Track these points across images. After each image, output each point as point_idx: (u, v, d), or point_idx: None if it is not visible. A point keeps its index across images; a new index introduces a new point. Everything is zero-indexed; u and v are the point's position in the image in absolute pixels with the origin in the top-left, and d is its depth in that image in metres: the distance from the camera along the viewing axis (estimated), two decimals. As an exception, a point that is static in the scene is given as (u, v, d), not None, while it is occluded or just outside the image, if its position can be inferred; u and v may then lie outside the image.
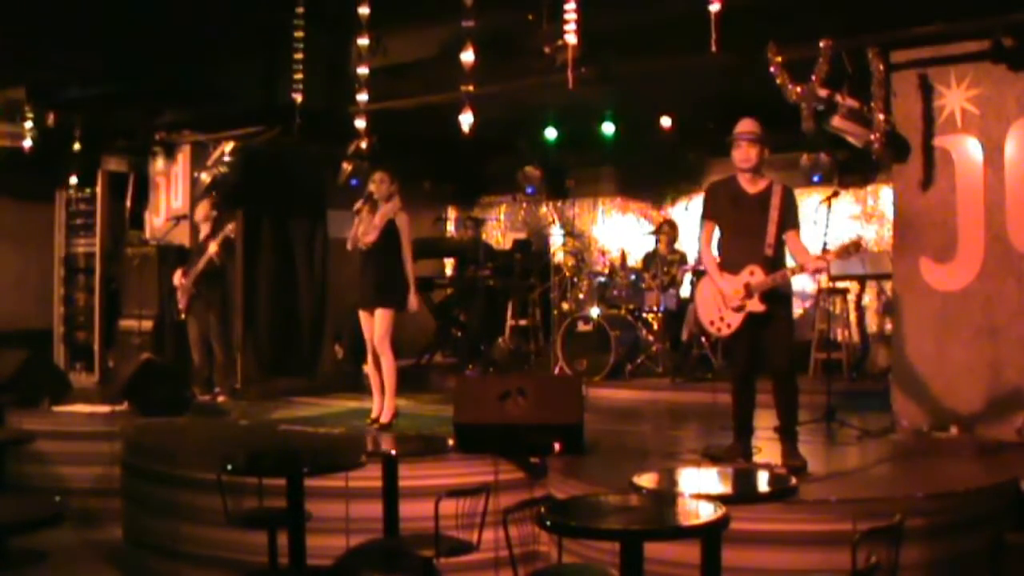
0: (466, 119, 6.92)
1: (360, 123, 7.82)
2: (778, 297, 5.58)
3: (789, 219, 5.62)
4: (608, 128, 10.80)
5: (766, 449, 5.92)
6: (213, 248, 8.60)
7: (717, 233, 5.78)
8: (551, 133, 11.07)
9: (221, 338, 8.78)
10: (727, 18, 5.99)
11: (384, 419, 7.27)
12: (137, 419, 7.70)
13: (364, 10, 7.23)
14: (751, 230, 5.57)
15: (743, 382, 5.75)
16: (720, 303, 5.65)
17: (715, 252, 5.78)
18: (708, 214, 5.81)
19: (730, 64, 6.91)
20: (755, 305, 5.52)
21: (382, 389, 7.39)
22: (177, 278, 8.88)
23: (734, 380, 5.82)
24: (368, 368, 7.51)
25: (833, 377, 7.56)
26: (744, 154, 5.66)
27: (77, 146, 9.55)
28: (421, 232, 11.71)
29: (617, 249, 11.77)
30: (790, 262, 5.66)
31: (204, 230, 8.90)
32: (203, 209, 8.96)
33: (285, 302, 10.69)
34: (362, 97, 7.64)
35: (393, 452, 5.22)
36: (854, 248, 5.58)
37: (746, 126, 5.73)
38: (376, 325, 7.15)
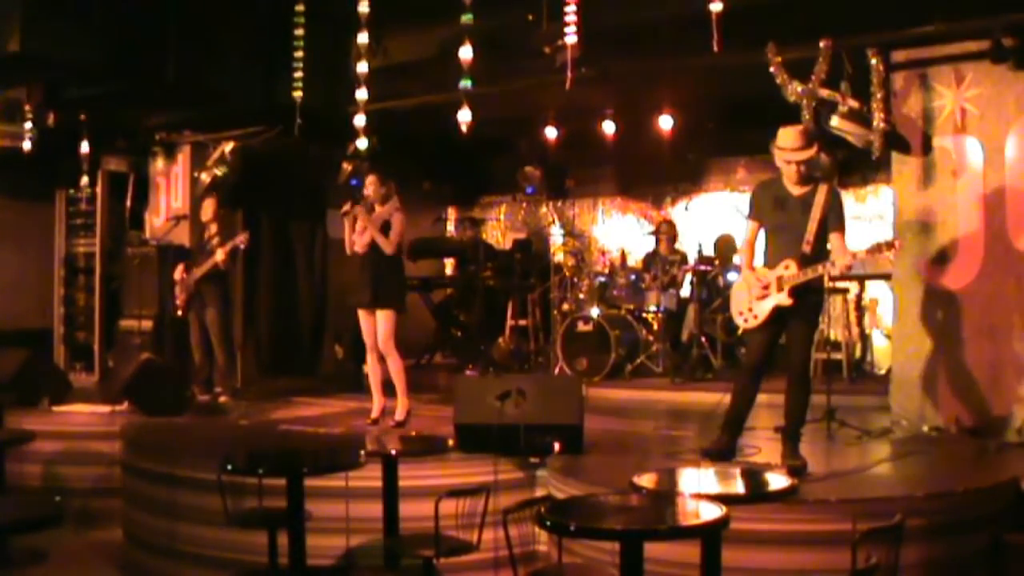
0: (464, 117, 6.89)
1: (360, 121, 7.76)
2: (808, 294, 5.51)
3: (832, 220, 5.48)
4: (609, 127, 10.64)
5: (766, 449, 5.91)
6: (220, 256, 8.53)
7: (762, 233, 5.71)
8: None
9: (222, 338, 8.75)
10: (727, 18, 5.98)
11: (399, 416, 7.27)
12: (137, 419, 7.70)
13: (364, 8, 7.21)
14: (792, 229, 5.49)
15: (750, 377, 5.68)
16: (750, 295, 5.61)
17: (760, 251, 5.69)
18: (752, 214, 5.75)
19: (730, 64, 6.91)
20: (783, 298, 5.45)
21: (382, 389, 7.41)
22: (178, 273, 8.87)
23: (742, 372, 5.74)
24: (368, 368, 7.52)
25: (833, 377, 7.56)
26: (789, 172, 5.52)
27: (85, 146, 9.53)
28: (421, 232, 11.73)
29: (617, 249, 11.77)
30: None
31: (211, 229, 8.84)
32: (210, 208, 8.92)
33: (285, 302, 10.70)
34: (361, 95, 7.60)
35: (393, 452, 5.22)
36: (887, 247, 5.50)
37: (788, 141, 5.50)
38: (380, 327, 7.15)
